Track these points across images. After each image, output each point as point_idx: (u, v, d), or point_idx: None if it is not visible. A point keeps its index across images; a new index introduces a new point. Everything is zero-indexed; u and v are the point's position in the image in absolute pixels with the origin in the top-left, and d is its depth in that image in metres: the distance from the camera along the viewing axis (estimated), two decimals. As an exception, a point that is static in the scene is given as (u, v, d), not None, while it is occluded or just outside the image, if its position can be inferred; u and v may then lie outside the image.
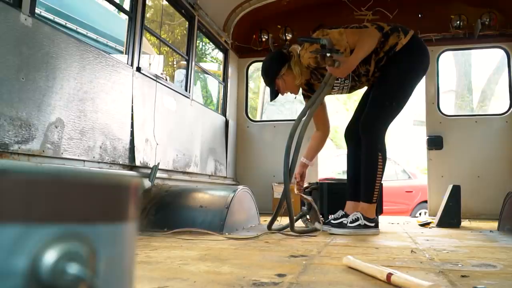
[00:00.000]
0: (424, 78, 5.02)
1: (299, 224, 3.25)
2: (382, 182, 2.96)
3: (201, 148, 4.47)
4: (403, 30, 2.87)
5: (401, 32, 2.85)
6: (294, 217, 2.90)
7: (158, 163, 3.38)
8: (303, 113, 3.05)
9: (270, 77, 3.02)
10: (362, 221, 2.81)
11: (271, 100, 3.27)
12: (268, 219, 3.95)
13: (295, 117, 3.14)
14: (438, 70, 5.04)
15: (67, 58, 2.52)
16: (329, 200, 3.22)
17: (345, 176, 3.29)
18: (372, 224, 2.84)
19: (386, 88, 2.91)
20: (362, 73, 2.95)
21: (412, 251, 1.96)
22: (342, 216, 2.95)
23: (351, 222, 2.83)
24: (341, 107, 19.21)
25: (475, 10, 4.80)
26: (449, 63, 13.64)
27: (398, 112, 2.94)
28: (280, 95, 3.17)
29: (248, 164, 5.45)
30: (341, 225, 2.87)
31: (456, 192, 3.51)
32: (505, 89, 4.98)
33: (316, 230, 2.88)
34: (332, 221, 2.95)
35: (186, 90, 4.26)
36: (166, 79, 3.90)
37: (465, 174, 4.70)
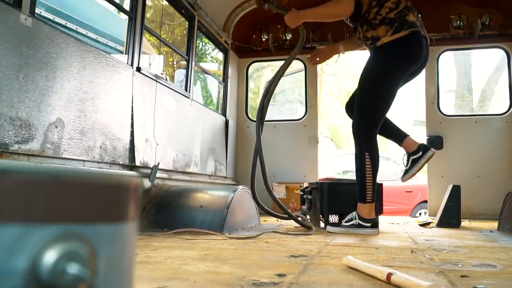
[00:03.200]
0: (424, 78, 5.04)
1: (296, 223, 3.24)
2: (382, 182, 2.98)
3: (201, 148, 4.47)
4: (400, 26, 2.79)
5: (392, 28, 2.79)
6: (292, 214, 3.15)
7: (158, 163, 3.38)
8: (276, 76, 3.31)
9: None
10: (356, 221, 2.85)
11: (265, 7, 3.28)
12: (268, 219, 3.99)
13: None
14: (438, 70, 5.03)
15: (67, 58, 2.52)
16: (329, 200, 3.23)
17: (345, 176, 3.33)
18: (368, 224, 2.84)
19: (364, 84, 2.91)
20: (355, 27, 3.02)
21: (412, 251, 1.96)
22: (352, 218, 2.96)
23: (346, 222, 2.89)
24: (341, 107, 19.19)
25: (475, 10, 4.79)
26: (449, 63, 13.63)
27: (383, 110, 2.89)
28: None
29: (248, 164, 5.42)
30: (337, 224, 2.96)
31: (456, 192, 3.51)
32: (505, 89, 4.98)
33: (311, 228, 2.97)
34: (344, 223, 2.97)
35: (186, 90, 4.26)
36: (166, 79, 3.90)
37: (465, 174, 4.70)
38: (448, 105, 13.00)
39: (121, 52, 6.13)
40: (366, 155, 2.82)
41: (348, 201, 3.17)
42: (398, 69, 2.86)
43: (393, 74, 2.87)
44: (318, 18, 2.89)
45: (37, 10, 3.06)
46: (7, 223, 0.38)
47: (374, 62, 2.90)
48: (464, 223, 3.69)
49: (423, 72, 5.06)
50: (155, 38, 6.38)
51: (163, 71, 8.15)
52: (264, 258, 1.71)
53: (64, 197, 0.41)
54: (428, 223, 3.55)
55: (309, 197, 3.43)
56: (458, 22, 4.83)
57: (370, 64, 2.93)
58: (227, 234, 2.59)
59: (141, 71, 3.35)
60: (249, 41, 5.44)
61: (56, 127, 2.42)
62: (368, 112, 2.88)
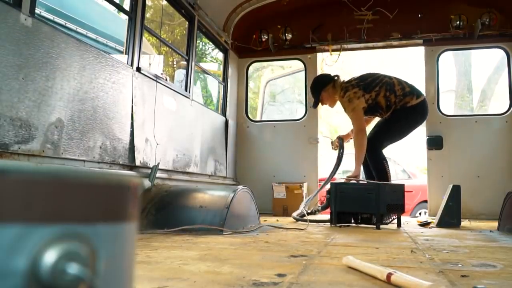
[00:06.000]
0: (424, 78, 5.07)
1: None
2: (403, 183, 3.67)
3: (201, 148, 4.47)
4: (418, 93, 4.00)
5: (414, 95, 3.96)
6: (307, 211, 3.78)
7: (158, 163, 3.38)
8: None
9: (319, 88, 4.19)
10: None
11: (313, 107, 4.56)
12: (268, 219, 4.02)
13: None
14: (438, 70, 5.03)
15: (67, 58, 2.52)
16: (335, 199, 3.39)
17: (345, 176, 3.67)
18: None
19: (386, 129, 4.07)
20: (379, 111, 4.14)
21: (412, 251, 1.96)
22: None
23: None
24: (341, 107, 19.19)
25: (475, 10, 4.79)
26: (449, 63, 13.62)
27: (394, 142, 4.19)
28: (320, 105, 4.37)
29: (248, 164, 5.45)
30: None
31: (456, 192, 3.51)
32: (505, 89, 4.97)
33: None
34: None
35: (186, 90, 4.26)
36: (166, 79, 3.90)
37: (465, 174, 4.70)
38: (448, 105, 13.00)
39: (121, 52, 6.12)
40: (384, 162, 3.97)
41: (353, 201, 3.34)
42: (417, 121, 4.05)
43: (412, 124, 4.03)
44: (362, 153, 3.88)
45: (37, 10, 3.06)
46: (7, 223, 0.38)
47: (400, 118, 3.96)
48: (464, 223, 3.69)
49: (423, 72, 5.09)
50: (155, 38, 6.38)
51: (163, 71, 8.14)
52: (264, 258, 1.71)
53: (64, 197, 0.41)
54: (428, 223, 3.55)
55: (327, 196, 3.62)
56: (458, 22, 4.83)
57: (400, 115, 3.95)
58: (227, 234, 2.59)
59: (141, 71, 3.35)
60: (249, 41, 5.44)
61: (56, 127, 2.42)
62: (385, 141, 4.10)
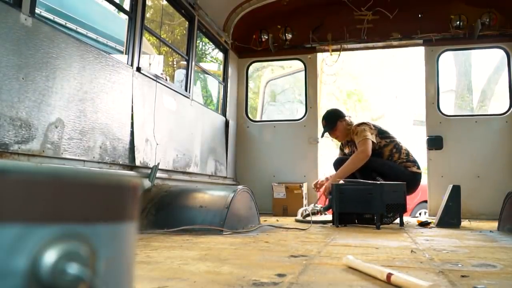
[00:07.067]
0: (424, 79, 5.07)
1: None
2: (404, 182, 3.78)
3: (201, 148, 4.47)
4: (418, 165, 4.23)
5: (416, 165, 4.19)
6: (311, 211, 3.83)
7: (158, 163, 3.38)
8: None
9: (336, 118, 4.34)
10: None
11: (321, 136, 4.66)
12: (268, 219, 4.02)
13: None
14: (438, 70, 5.03)
15: (67, 58, 2.52)
16: (336, 199, 3.40)
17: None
18: None
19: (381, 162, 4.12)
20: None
21: (412, 251, 1.96)
22: None
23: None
24: (341, 107, 19.20)
25: (475, 10, 4.79)
26: (449, 63, 13.62)
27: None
28: (327, 135, 4.47)
29: (248, 164, 5.45)
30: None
31: (456, 192, 3.51)
32: (505, 89, 4.97)
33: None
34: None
35: (186, 90, 4.26)
36: (166, 79, 3.90)
37: (465, 174, 4.70)
38: (448, 105, 12.99)
39: (121, 52, 6.12)
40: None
41: (353, 201, 3.35)
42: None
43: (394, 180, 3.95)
44: (349, 172, 3.92)
45: (37, 10, 3.06)
46: (7, 223, 0.38)
47: (398, 169, 4.08)
48: (464, 223, 3.69)
49: (423, 72, 5.09)
50: (155, 38, 6.38)
51: (163, 71, 8.14)
52: (264, 258, 1.71)
53: (64, 197, 0.41)
54: (428, 223, 3.55)
55: (329, 197, 3.68)
56: (458, 22, 4.83)
57: (398, 167, 4.12)
58: (227, 234, 2.59)
59: (141, 71, 3.34)
60: (249, 41, 5.43)
61: (56, 127, 2.42)
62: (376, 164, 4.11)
